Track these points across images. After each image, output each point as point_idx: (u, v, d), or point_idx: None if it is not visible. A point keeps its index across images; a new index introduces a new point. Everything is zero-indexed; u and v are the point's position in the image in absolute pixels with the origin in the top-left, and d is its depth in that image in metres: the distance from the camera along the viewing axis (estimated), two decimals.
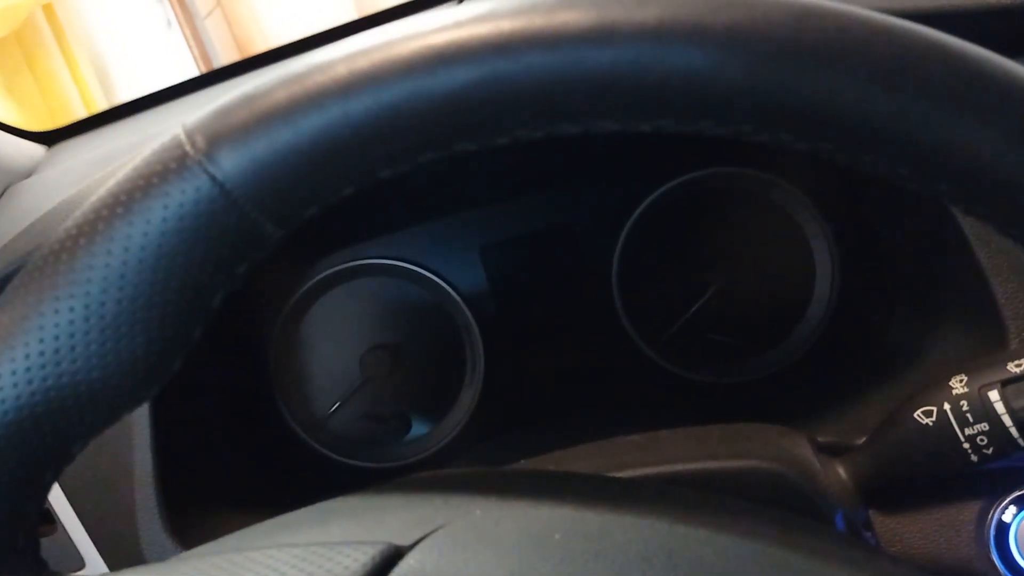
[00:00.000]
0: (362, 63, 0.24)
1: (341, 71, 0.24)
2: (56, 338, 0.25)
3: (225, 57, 2.96)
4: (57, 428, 0.26)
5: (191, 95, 0.89)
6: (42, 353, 0.25)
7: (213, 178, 0.24)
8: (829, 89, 0.22)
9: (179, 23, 2.89)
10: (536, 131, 0.25)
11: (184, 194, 0.25)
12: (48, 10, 2.37)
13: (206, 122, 0.25)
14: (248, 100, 0.25)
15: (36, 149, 0.81)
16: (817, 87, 0.22)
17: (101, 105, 2.40)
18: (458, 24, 0.23)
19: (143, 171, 0.25)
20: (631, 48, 0.23)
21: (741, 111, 0.23)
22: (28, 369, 0.25)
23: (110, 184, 0.25)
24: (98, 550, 0.52)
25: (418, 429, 0.74)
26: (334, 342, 0.73)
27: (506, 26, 0.23)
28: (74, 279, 0.25)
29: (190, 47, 2.91)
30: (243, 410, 0.70)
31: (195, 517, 0.53)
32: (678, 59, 0.22)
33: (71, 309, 0.25)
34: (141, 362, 0.26)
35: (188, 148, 0.25)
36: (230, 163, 0.24)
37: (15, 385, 0.25)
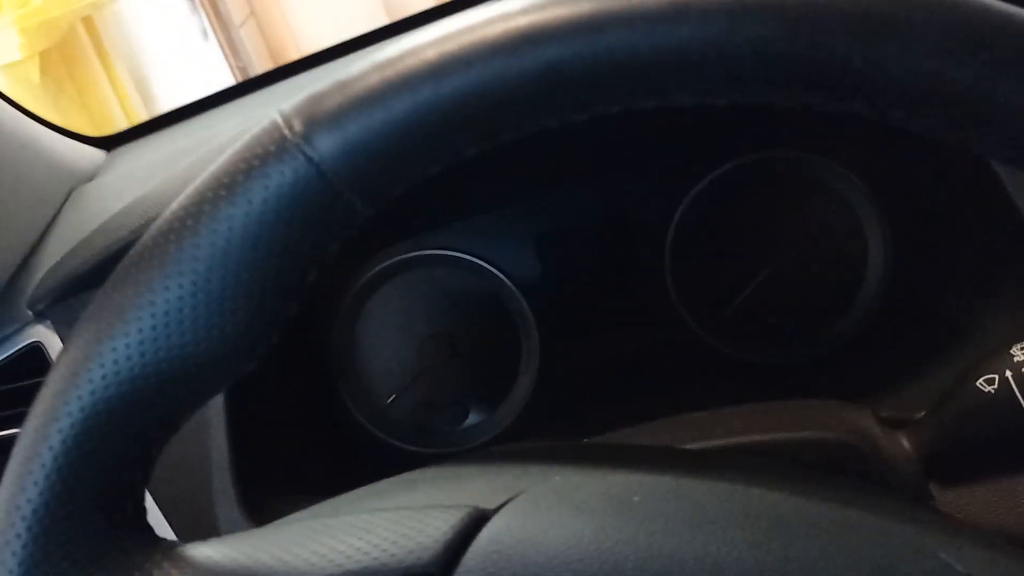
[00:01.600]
0: (451, 46, 0.25)
1: (431, 54, 0.25)
2: (166, 313, 0.27)
3: (259, 65, 2.99)
4: (166, 398, 0.28)
5: (240, 99, 0.91)
6: (154, 328, 0.27)
7: (310, 160, 0.26)
8: (901, 57, 0.23)
9: (215, 33, 2.93)
10: (614, 106, 0.26)
11: (283, 175, 0.26)
12: (88, 22, 2.41)
13: (302, 107, 0.26)
14: (342, 85, 0.26)
15: (97, 153, 0.83)
16: (890, 56, 0.23)
17: (141, 114, 2.44)
18: (541, 6, 0.25)
19: (244, 155, 0.27)
20: (706, 23, 0.24)
21: (815, 82, 0.24)
22: (141, 343, 0.27)
23: (213, 168, 0.27)
24: (175, 533, 0.54)
25: (475, 417, 0.75)
26: (393, 332, 0.74)
27: (586, 6, 0.24)
28: (182, 258, 0.26)
29: (226, 55, 2.95)
30: (308, 399, 0.71)
31: (268, 500, 0.55)
32: (752, 33, 0.23)
33: (180, 286, 0.26)
34: (243, 335, 0.27)
35: (286, 132, 0.26)
36: (326, 145, 0.26)
37: (129, 358, 0.27)
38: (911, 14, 0.23)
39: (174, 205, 0.27)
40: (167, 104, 0.90)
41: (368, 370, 0.74)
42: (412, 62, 0.25)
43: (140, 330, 0.27)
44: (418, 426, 0.75)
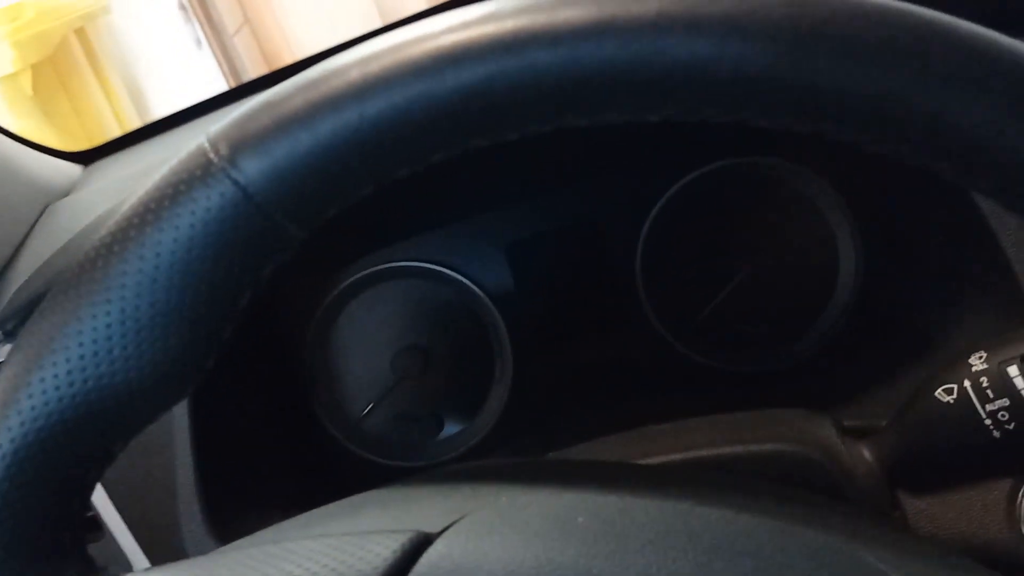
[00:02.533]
0: (374, 67, 0.25)
1: (355, 75, 0.25)
2: (94, 342, 0.26)
3: (254, 73, 2.99)
4: (98, 428, 0.27)
5: (222, 109, 0.91)
6: (82, 357, 0.26)
7: (236, 183, 0.25)
8: (825, 71, 0.22)
9: (208, 42, 2.93)
10: (543, 125, 0.25)
11: (210, 200, 0.26)
12: (81, 34, 2.41)
13: (228, 130, 0.26)
14: (267, 107, 0.26)
15: (73, 169, 0.83)
16: (813, 70, 0.23)
17: (135, 125, 2.44)
18: (464, 25, 0.24)
19: (170, 179, 0.26)
20: (630, 41, 0.23)
21: (743, 98, 0.24)
22: (69, 372, 0.26)
23: (140, 193, 0.27)
24: (144, 554, 0.54)
25: (450, 428, 0.75)
26: (366, 345, 0.74)
27: (509, 25, 0.24)
28: (109, 285, 0.26)
29: (220, 64, 2.95)
30: (280, 413, 0.71)
31: (236, 519, 0.54)
32: (677, 50, 0.23)
33: (107, 314, 0.26)
34: (176, 362, 0.27)
35: (212, 155, 0.26)
36: (252, 168, 0.25)
37: (57, 388, 0.26)
38: (835, 27, 0.22)
39: (102, 231, 0.27)
40: (162, 114, 0.90)
41: (341, 383, 0.74)
42: (337, 83, 0.25)
43: (68, 359, 0.26)
44: (392, 439, 0.74)
